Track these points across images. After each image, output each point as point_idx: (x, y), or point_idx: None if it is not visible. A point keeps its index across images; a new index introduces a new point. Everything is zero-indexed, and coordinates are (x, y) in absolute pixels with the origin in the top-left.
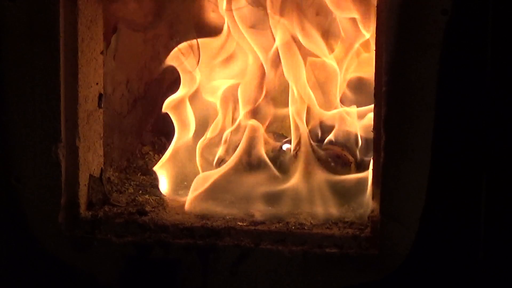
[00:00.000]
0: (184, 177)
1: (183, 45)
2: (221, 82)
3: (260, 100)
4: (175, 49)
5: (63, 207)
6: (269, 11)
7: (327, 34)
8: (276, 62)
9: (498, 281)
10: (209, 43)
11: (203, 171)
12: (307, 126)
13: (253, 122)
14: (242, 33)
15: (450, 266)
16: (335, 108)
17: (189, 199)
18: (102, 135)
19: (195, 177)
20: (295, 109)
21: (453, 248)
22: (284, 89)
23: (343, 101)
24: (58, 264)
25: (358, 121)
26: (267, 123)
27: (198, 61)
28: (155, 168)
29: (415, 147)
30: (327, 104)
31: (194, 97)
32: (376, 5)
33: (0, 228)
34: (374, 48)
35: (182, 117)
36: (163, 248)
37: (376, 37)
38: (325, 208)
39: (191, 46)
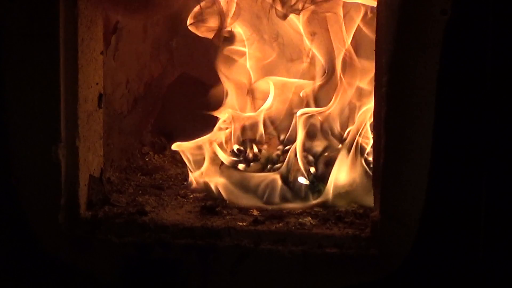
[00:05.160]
0: None
1: None
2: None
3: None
4: None
5: (63, 207)
6: None
7: None
8: None
9: (498, 281)
10: None
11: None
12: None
13: None
14: None
15: (450, 266)
16: None
17: None
18: (102, 135)
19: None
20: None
21: (453, 248)
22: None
23: None
24: (58, 264)
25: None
26: None
27: None
28: None
29: (415, 147)
30: None
31: None
32: (376, 5)
33: (0, 228)
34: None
35: None
36: (163, 248)
37: (376, 37)
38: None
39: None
